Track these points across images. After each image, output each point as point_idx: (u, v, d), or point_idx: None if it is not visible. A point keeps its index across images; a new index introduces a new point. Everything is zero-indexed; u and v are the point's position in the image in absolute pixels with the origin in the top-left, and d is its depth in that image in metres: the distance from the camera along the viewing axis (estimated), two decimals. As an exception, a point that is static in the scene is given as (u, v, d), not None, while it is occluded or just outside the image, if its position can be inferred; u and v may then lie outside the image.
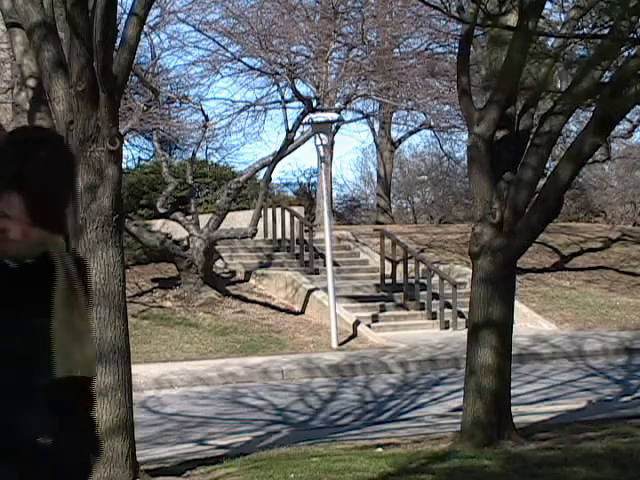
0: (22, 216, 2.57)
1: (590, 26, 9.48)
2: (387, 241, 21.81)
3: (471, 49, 9.76)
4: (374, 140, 35.59)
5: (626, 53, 8.71)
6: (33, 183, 2.55)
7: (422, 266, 20.78)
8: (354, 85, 28.67)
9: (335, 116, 19.70)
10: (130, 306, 13.82)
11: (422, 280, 20.55)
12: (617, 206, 38.04)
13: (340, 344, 17.84)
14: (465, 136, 23.76)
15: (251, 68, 26.41)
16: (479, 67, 10.67)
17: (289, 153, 21.77)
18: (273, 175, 23.11)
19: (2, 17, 8.65)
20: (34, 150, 2.59)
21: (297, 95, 29.02)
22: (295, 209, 24.26)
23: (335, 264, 19.95)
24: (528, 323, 19.58)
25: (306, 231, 22.66)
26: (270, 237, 23.66)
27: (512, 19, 8.98)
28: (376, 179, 36.52)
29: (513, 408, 9.49)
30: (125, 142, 10.10)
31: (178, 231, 21.11)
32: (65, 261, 2.70)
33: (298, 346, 17.85)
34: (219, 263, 21.76)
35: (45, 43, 7.64)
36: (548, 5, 10.04)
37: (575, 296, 21.87)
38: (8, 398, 2.53)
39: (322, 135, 18.53)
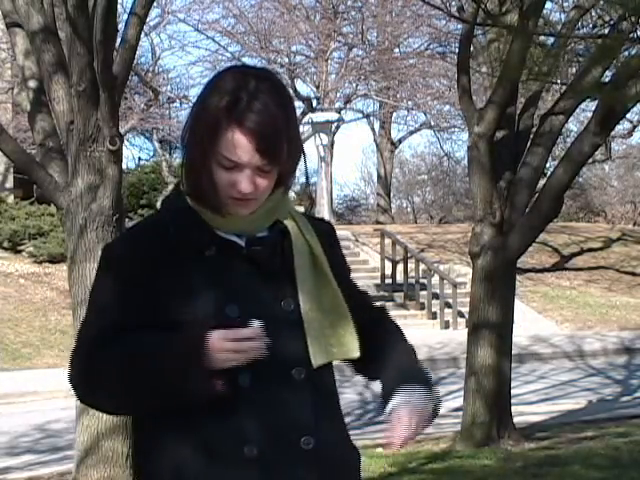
0: (250, 156, 2.23)
1: (590, 26, 9.48)
2: (387, 241, 21.80)
3: (471, 49, 9.75)
4: (374, 140, 35.61)
5: (626, 52, 8.70)
6: (254, 112, 2.23)
7: (422, 266, 20.78)
8: (354, 85, 28.69)
9: (335, 116, 19.73)
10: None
11: (422, 280, 20.55)
12: (617, 206, 38.08)
13: (340, 344, 17.82)
14: (465, 136, 23.79)
15: (251, 68, 26.42)
16: (479, 67, 10.66)
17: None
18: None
19: (2, 17, 8.64)
20: (252, 80, 2.27)
21: (297, 95, 28.95)
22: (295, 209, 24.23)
23: (335, 264, 19.91)
24: (528, 323, 19.57)
25: (306, 231, 22.63)
26: (270, 237, 23.63)
27: (513, 19, 8.98)
28: (376, 179, 36.53)
29: (513, 408, 9.49)
30: (125, 142, 10.04)
31: (178, 231, 21.08)
32: (302, 228, 2.38)
33: (298, 346, 17.83)
34: (219, 263, 21.75)
35: (46, 44, 7.64)
36: (548, 5, 10.04)
37: (575, 296, 21.86)
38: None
39: (322, 135, 18.55)
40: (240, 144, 2.23)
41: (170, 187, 20.77)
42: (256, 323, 2.20)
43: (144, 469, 2.34)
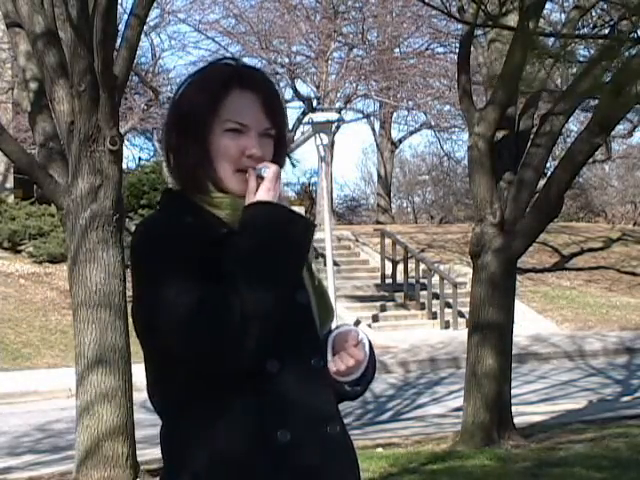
0: (256, 115, 2.33)
1: (591, 26, 9.48)
2: (387, 241, 21.81)
3: (472, 49, 9.75)
4: (374, 140, 35.62)
5: (627, 53, 8.70)
6: (255, 75, 2.37)
7: (422, 266, 20.78)
8: (354, 85, 28.68)
9: (335, 116, 19.64)
10: (130, 306, 13.80)
11: (422, 280, 20.55)
12: (617, 206, 38.08)
13: (340, 344, 17.80)
14: (465, 136, 23.77)
15: (251, 68, 26.44)
16: (480, 67, 10.66)
17: (290, 153, 21.77)
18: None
19: (3, 17, 8.64)
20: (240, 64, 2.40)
21: (297, 95, 28.96)
22: (296, 209, 24.18)
23: (335, 264, 19.94)
24: (528, 323, 19.57)
25: (306, 231, 22.62)
26: (270, 237, 23.61)
27: (513, 19, 8.98)
28: (376, 179, 36.52)
29: (513, 408, 9.49)
30: (125, 142, 10.03)
31: (178, 231, 21.05)
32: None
33: (298, 346, 17.82)
34: (219, 263, 21.73)
35: (46, 44, 7.65)
36: (548, 5, 10.04)
37: (575, 296, 21.87)
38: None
39: (322, 135, 18.49)
40: (246, 104, 2.31)
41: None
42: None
43: (180, 457, 2.30)
